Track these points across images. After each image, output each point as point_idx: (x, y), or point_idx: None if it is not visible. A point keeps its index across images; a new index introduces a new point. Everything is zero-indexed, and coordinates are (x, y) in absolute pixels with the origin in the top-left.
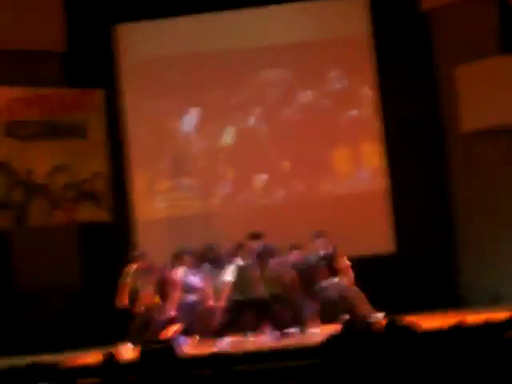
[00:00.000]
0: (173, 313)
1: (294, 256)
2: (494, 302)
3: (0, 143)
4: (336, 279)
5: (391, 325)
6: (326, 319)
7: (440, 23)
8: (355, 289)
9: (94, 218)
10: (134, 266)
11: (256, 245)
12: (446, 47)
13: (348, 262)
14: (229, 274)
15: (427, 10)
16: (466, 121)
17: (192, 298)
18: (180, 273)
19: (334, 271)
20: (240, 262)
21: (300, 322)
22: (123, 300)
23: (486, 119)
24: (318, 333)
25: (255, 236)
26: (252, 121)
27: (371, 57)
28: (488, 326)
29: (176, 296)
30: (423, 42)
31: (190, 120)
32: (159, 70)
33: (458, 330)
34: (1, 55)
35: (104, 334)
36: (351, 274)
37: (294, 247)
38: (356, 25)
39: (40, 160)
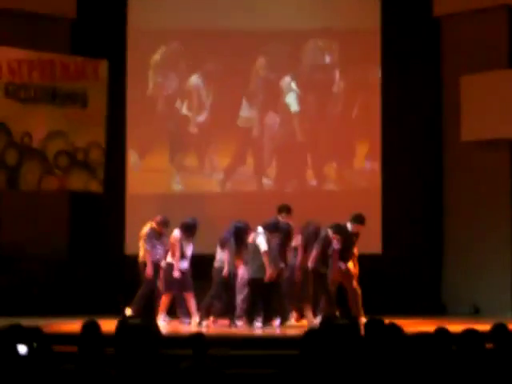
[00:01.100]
0: (177, 273)
1: None
2: (475, 313)
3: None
4: None
5: (371, 324)
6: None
7: (450, 30)
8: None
9: (86, 188)
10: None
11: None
12: (454, 55)
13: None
14: (263, 245)
15: (439, 15)
16: (466, 130)
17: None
18: (177, 235)
19: None
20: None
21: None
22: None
23: (485, 131)
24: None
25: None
26: (251, 107)
27: (378, 55)
28: (469, 336)
29: (177, 257)
30: (432, 47)
31: (191, 98)
32: (166, 44)
33: (439, 335)
34: (10, 15)
35: (86, 303)
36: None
37: None
38: (365, 22)
39: (37, 124)
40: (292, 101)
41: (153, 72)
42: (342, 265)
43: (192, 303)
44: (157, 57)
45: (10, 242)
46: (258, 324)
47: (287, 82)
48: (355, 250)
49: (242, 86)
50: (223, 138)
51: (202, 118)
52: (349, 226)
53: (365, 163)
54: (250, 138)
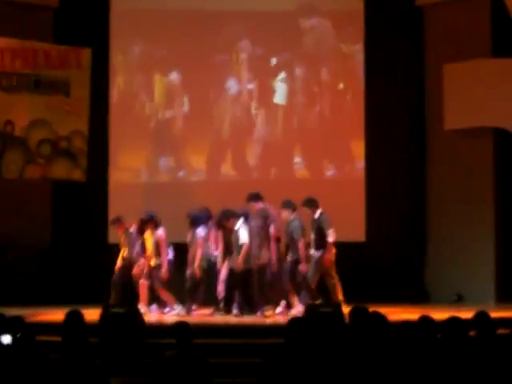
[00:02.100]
0: (167, 275)
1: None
2: (458, 301)
3: None
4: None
5: (356, 312)
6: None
7: (433, 19)
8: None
9: (69, 177)
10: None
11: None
12: (437, 43)
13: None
14: (244, 236)
15: (422, 4)
16: (448, 119)
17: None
18: (163, 233)
19: None
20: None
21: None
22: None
23: (468, 120)
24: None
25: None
26: (235, 90)
27: (361, 44)
28: (453, 324)
29: (165, 255)
30: (415, 36)
31: (175, 84)
32: (149, 30)
33: (423, 323)
34: None
35: (69, 292)
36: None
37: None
38: (349, 9)
39: (19, 113)
40: (279, 86)
41: (135, 60)
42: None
43: (168, 296)
44: (139, 44)
45: None
46: (235, 311)
47: (272, 66)
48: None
49: (226, 71)
50: (207, 126)
51: (185, 105)
52: (318, 213)
53: (348, 152)
54: (234, 126)
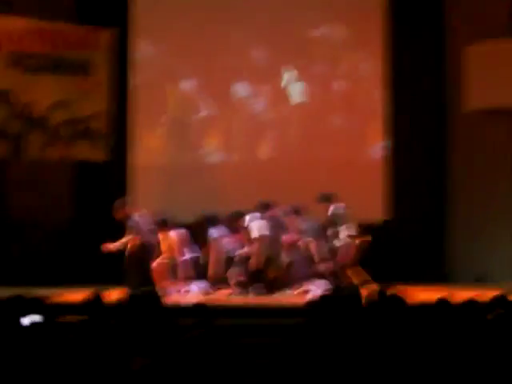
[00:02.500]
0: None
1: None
2: (479, 281)
3: (2, 73)
4: None
5: (380, 293)
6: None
7: (454, 0)
8: None
9: (90, 157)
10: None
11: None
12: (457, 24)
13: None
14: (259, 230)
15: None
16: (470, 100)
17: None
18: (175, 235)
19: None
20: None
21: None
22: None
23: (488, 100)
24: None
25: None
26: (256, 79)
27: (381, 27)
28: (472, 306)
29: (179, 256)
30: (436, 18)
31: (196, 64)
32: (171, 14)
33: (444, 305)
34: None
35: (90, 272)
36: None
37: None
38: None
39: (41, 94)
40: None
41: (156, 39)
42: None
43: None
44: (160, 25)
45: (17, 212)
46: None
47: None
48: None
49: (243, 59)
50: (226, 110)
51: (207, 86)
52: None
53: (368, 134)
54: (252, 110)
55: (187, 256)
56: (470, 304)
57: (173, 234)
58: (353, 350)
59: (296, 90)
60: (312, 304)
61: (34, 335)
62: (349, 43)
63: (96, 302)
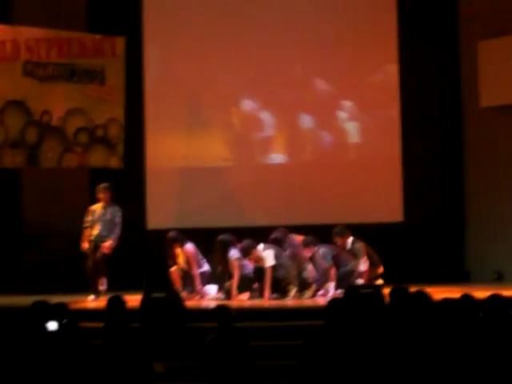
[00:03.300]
0: (200, 287)
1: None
2: (498, 279)
3: (18, 82)
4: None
5: (396, 292)
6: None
7: None
8: None
9: (106, 164)
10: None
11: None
12: (471, 20)
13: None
14: (270, 260)
15: None
16: (484, 96)
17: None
18: (191, 247)
19: None
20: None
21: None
22: (83, 245)
23: (504, 96)
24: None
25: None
26: (268, 78)
27: (394, 24)
28: (494, 302)
29: (195, 269)
30: (449, 13)
31: (209, 70)
32: (182, 20)
33: (465, 301)
34: None
35: (109, 279)
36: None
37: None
38: None
39: (56, 102)
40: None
41: (169, 47)
42: None
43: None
44: (172, 32)
45: (32, 220)
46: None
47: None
48: None
49: (259, 62)
50: (241, 113)
51: (220, 92)
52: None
53: (385, 132)
54: (269, 111)
55: (205, 268)
56: (494, 299)
57: (189, 247)
58: (377, 350)
59: None
60: (333, 304)
61: (59, 340)
62: (363, 45)
63: (117, 306)
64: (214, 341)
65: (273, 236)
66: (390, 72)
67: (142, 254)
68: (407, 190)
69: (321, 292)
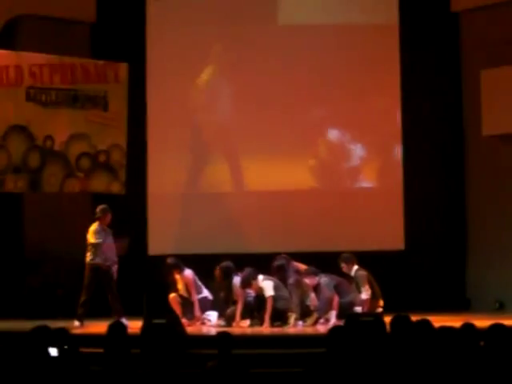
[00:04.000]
0: (199, 313)
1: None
2: (500, 308)
3: (21, 107)
4: None
5: (397, 320)
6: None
7: (469, 24)
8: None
9: (108, 190)
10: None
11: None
12: (473, 49)
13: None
14: (270, 290)
15: (457, 10)
16: (487, 125)
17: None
18: (189, 274)
19: None
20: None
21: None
22: None
23: (507, 125)
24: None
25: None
26: (270, 106)
27: (396, 51)
28: (496, 331)
29: (195, 295)
30: (451, 42)
31: (213, 97)
32: (185, 47)
33: (466, 330)
34: (31, 20)
35: (109, 305)
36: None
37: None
38: (383, 18)
39: (59, 127)
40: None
41: (172, 72)
42: None
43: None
44: (176, 57)
45: (34, 245)
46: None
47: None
48: None
49: (261, 85)
50: (244, 138)
51: (222, 117)
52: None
53: (387, 161)
54: (270, 137)
55: (205, 294)
56: (495, 328)
57: (188, 273)
58: (378, 379)
59: None
60: (334, 332)
61: (59, 366)
62: (367, 76)
63: (118, 332)
64: (215, 367)
65: (276, 263)
66: (393, 101)
67: (143, 279)
68: (409, 218)
69: (322, 320)
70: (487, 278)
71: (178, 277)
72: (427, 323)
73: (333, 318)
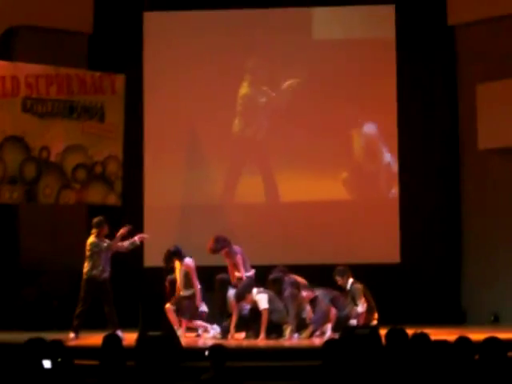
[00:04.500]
0: (200, 302)
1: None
2: (495, 321)
3: (17, 118)
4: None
5: (393, 333)
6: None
7: (465, 38)
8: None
9: (104, 201)
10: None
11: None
12: (469, 63)
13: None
14: (264, 303)
15: (454, 24)
16: (483, 139)
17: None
18: (191, 262)
19: None
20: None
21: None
22: None
23: (502, 139)
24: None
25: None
26: (267, 116)
27: (393, 65)
28: (491, 344)
29: (196, 284)
30: (447, 56)
31: (210, 109)
32: (182, 59)
33: (461, 343)
34: (28, 31)
35: (104, 317)
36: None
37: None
38: (380, 32)
39: (55, 139)
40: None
41: (169, 83)
42: None
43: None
44: (173, 68)
45: (29, 256)
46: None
47: (300, 89)
48: None
49: (260, 94)
50: (239, 150)
51: (221, 129)
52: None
53: (383, 174)
54: (265, 150)
55: (198, 286)
56: (490, 342)
57: (189, 261)
58: None
59: None
60: (330, 344)
61: (54, 378)
62: (362, 86)
63: (113, 344)
64: (209, 380)
65: (272, 276)
66: (390, 114)
67: (139, 291)
68: (404, 232)
69: (318, 333)
70: (482, 291)
71: (177, 265)
72: (424, 336)
73: (328, 331)
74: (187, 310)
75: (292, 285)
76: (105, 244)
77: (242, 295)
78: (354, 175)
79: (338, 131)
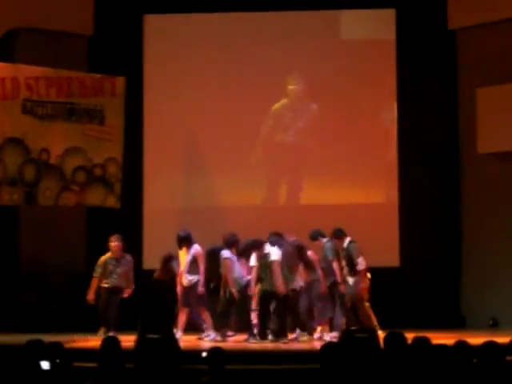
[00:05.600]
0: (202, 288)
1: None
2: (494, 326)
3: (17, 120)
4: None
5: (391, 337)
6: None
7: (466, 42)
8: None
9: (103, 204)
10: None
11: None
12: (469, 67)
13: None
14: (275, 255)
15: (454, 28)
16: (482, 143)
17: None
18: (200, 248)
19: None
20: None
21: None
22: (89, 296)
23: (502, 143)
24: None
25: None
26: (270, 122)
27: (393, 69)
28: (489, 348)
29: (203, 269)
30: (448, 60)
31: (210, 110)
32: (182, 61)
33: (460, 347)
34: (28, 33)
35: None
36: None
37: None
38: (380, 35)
39: (55, 141)
40: (306, 115)
41: (169, 86)
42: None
43: (207, 317)
44: (173, 71)
45: (29, 258)
46: (271, 337)
47: (301, 92)
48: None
49: (259, 98)
50: (239, 151)
51: (220, 130)
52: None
53: (382, 178)
54: (265, 152)
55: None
56: (489, 346)
57: (197, 246)
58: None
59: None
60: (328, 348)
61: (52, 380)
62: (363, 91)
63: (112, 347)
64: (207, 383)
65: (269, 240)
66: (389, 118)
67: (138, 293)
68: (404, 235)
69: (317, 335)
70: (482, 296)
71: (183, 251)
72: (425, 340)
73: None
74: (196, 300)
75: (287, 245)
76: None
77: (255, 246)
78: (353, 180)
79: (338, 133)
